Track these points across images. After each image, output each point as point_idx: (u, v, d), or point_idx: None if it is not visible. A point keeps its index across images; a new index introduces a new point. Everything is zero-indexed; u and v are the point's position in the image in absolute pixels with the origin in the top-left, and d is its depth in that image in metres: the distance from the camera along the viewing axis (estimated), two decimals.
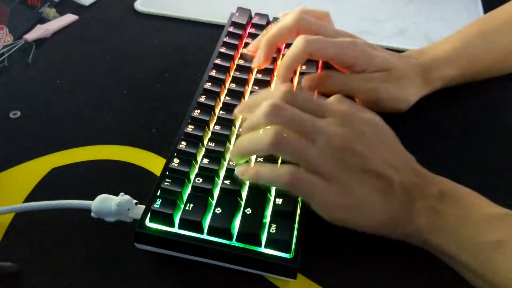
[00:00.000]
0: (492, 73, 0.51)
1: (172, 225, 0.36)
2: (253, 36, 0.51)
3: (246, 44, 0.50)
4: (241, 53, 0.50)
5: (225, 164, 0.39)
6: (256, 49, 0.46)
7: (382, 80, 0.45)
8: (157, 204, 0.36)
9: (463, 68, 0.49)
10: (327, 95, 0.39)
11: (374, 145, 0.36)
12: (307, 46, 0.42)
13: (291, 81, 0.47)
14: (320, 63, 0.49)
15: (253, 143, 0.35)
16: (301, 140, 0.34)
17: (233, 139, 0.42)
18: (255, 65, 0.46)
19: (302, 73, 0.47)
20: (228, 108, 0.44)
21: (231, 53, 0.49)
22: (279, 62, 0.49)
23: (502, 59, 0.50)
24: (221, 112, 0.43)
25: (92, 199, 0.38)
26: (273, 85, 0.47)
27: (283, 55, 0.47)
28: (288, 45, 0.49)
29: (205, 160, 0.39)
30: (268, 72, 0.47)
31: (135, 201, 0.38)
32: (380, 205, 0.34)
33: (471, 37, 0.50)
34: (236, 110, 0.40)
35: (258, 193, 0.37)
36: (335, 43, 0.43)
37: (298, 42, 0.42)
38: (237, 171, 0.36)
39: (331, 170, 0.34)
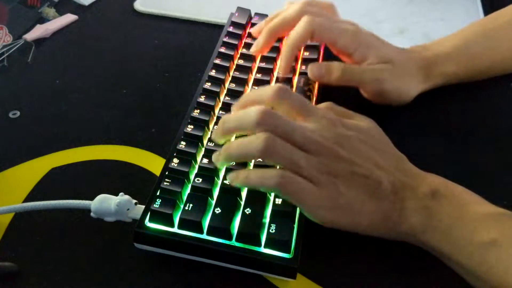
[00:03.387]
0: (494, 72, 0.51)
1: (172, 225, 0.36)
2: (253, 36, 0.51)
3: (246, 44, 0.50)
4: (240, 53, 0.50)
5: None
6: (258, 34, 0.47)
7: (387, 71, 0.45)
8: (157, 204, 0.36)
9: (465, 65, 0.49)
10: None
11: (359, 149, 0.36)
12: (311, 25, 0.43)
13: (294, 69, 0.47)
14: (322, 52, 0.49)
15: (243, 149, 0.35)
16: (290, 147, 0.34)
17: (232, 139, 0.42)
18: (253, 50, 0.46)
19: (301, 73, 0.47)
20: (228, 108, 0.43)
21: (231, 53, 0.49)
22: (278, 61, 0.49)
23: (505, 58, 0.50)
24: (220, 112, 0.43)
25: (91, 199, 0.38)
26: (273, 83, 0.47)
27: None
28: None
29: (205, 160, 0.39)
30: (268, 72, 0.47)
31: (134, 201, 0.38)
32: (370, 206, 0.35)
33: (474, 35, 0.50)
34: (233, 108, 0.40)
35: (258, 193, 0.37)
36: (338, 27, 0.44)
37: (302, 21, 0.43)
38: (229, 178, 0.36)
39: (318, 175, 0.34)
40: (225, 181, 0.37)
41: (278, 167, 0.37)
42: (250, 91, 0.44)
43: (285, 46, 0.44)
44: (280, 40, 0.50)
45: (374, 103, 0.47)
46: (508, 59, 0.50)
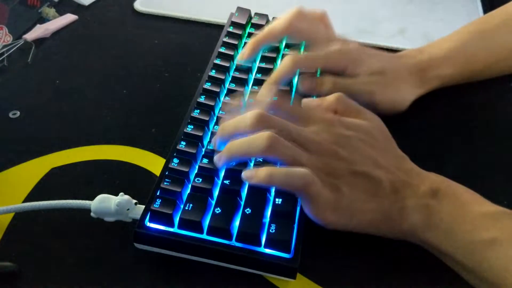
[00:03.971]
0: (490, 72, 0.51)
1: (172, 225, 0.36)
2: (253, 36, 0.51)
3: (246, 44, 0.50)
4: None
5: None
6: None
7: (377, 83, 0.45)
8: (157, 204, 0.36)
9: (461, 67, 0.49)
10: None
11: (359, 148, 0.36)
12: (294, 66, 0.43)
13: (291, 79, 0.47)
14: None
15: (246, 147, 0.35)
16: (292, 146, 0.34)
17: None
18: (238, 57, 0.47)
19: (301, 74, 0.47)
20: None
21: (231, 53, 0.49)
22: (278, 61, 0.49)
23: (501, 58, 0.50)
24: (220, 112, 0.43)
25: (91, 199, 0.38)
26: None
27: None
28: (288, 46, 0.49)
29: (205, 160, 0.39)
30: (268, 72, 0.47)
31: (134, 201, 0.38)
32: (371, 205, 0.35)
33: (468, 36, 0.50)
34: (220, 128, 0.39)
35: (258, 193, 0.37)
36: (321, 56, 0.45)
37: (286, 62, 0.44)
38: (245, 175, 0.35)
39: (322, 176, 0.34)
40: (225, 181, 0.37)
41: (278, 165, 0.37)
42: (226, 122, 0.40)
43: (267, 82, 0.44)
44: (281, 41, 0.50)
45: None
46: (504, 59, 0.50)
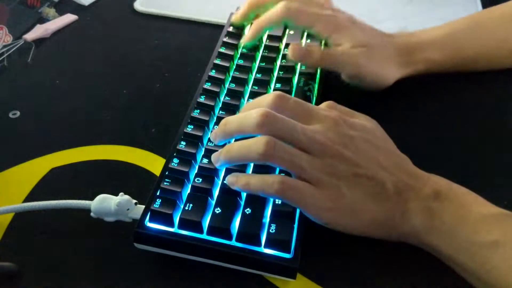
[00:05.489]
0: (479, 64, 0.51)
1: (172, 225, 0.36)
2: None
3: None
4: (240, 53, 0.50)
5: None
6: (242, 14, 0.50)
7: (362, 55, 0.45)
8: (157, 204, 0.36)
9: (449, 53, 0.49)
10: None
11: (364, 149, 0.36)
12: (285, 11, 0.44)
13: (293, 69, 0.47)
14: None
15: (244, 152, 0.35)
16: (292, 150, 0.34)
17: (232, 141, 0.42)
18: (241, 41, 0.49)
19: (301, 74, 0.47)
20: (228, 108, 0.44)
21: (231, 53, 0.49)
22: (278, 61, 0.49)
23: (491, 49, 0.50)
24: (220, 112, 0.43)
25: (91, 199, 0.38)
26: (272, 84, 0.47)
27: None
28: (287, 45, 0.49)
29: (205, 160, 0.39)
30: (268, 72, 0.47)
31: (134, 201, 0.38)
32: (373, 207, 0.34)
33: (461, 26, 0.50)
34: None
35: None
36: (313, 13, 0.45)
37: (278, 6, 0.45)
38: (228, 181, 0.36)
39: (322, 176, 0.34)
40: (225, 181, 0.37)
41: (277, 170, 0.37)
42: (248, 103, 0.43)
43: (256, 24, 0.47)
44: (280, 40, 0.50)
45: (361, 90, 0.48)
46: (493, 51, 0.51)
